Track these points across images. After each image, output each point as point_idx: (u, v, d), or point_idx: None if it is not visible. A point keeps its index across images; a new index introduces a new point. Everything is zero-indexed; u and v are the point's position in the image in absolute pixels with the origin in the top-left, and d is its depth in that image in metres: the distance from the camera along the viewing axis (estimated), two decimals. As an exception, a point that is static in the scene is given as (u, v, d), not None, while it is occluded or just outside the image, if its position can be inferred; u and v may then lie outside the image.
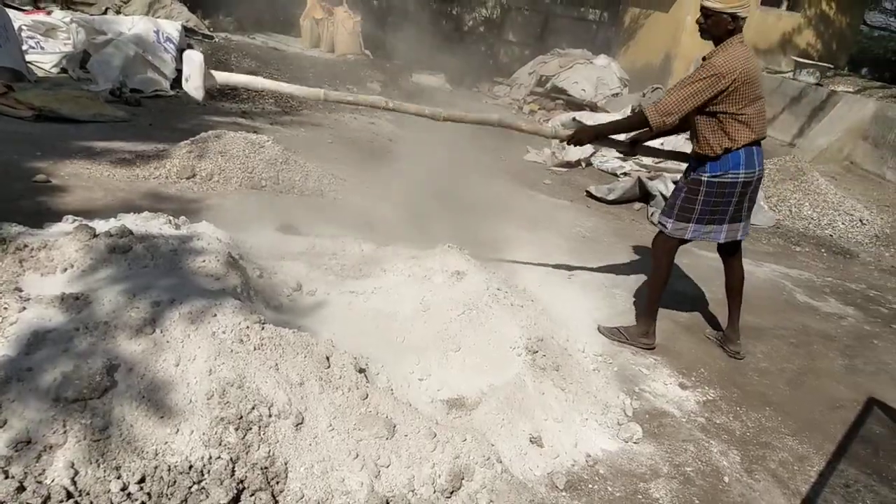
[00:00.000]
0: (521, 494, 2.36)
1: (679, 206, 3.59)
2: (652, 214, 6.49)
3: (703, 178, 3.49)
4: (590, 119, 9.16)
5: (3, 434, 1.86)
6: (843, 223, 7.25)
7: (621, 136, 3.83)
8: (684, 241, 3.68)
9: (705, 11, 3.35)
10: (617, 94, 11.73)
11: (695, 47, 12.78)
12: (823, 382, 3.87)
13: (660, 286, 3.76)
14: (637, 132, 3.73)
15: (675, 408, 3.32)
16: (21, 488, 1.75)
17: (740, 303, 3.93)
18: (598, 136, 3.69)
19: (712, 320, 4.38)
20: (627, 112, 9.05)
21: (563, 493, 2.56)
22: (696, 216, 3.54)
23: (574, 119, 9.35)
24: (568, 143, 3.70)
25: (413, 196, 5.09)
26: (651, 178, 6.99)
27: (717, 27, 3.34)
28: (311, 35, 11.79)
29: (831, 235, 7.05)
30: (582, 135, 3.65)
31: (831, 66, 11.99)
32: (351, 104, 3.45)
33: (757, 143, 3.47)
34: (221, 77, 3.33)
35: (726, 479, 2.84)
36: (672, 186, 6.49)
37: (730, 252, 3.84)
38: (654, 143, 8.02)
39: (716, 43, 3.39)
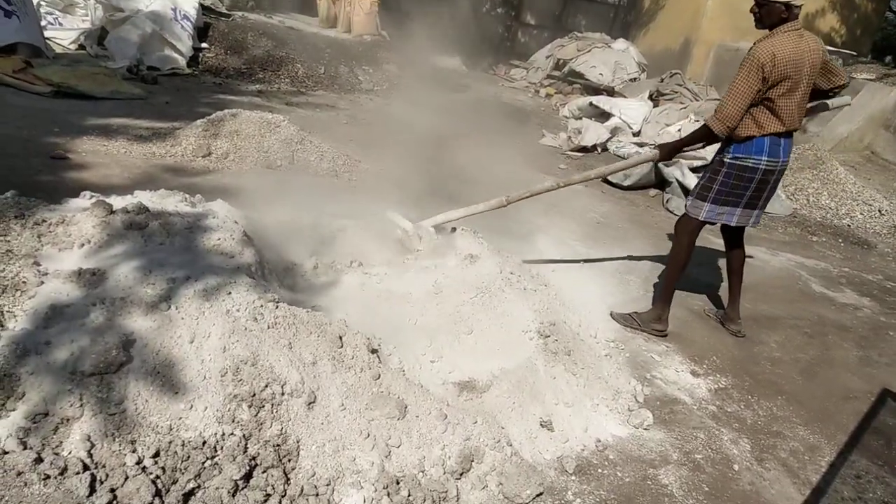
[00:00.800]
0: (531, 477, 2.37)
1: (701, 185, 3.65)
2: (667, 201, 6.44)
3: (725, 160, 3.52)
4: (607, 104, 9.09)
5: (21, 406, 1.89)
6: (861, 213, 7.17)
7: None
8: (705, 223, 3.69)
9: (759, 0, 3.32)
10: (635, 78, 11.61)
11: (714, 32, 12.61)
12: (837, 373, 3.85)
13: (678, 268, 3.76)
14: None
15: (687, 395, 3.32)
16: (39, 459, 1.78)
17: (741, 283, 4.03)
18: (677, 150, 3.77)
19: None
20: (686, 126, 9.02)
21: (573, 478, 2.57)
22: (712, 195, 3.57)
23: (591, 104, 9.29)
24: (660, 163, 3.84)
25: (427, 179, 5.09)
26: (667, 165, 6.92)
27: (771, 16, 3.32)
28: (327, 15, 11.73)
29: (849, 225, 6.98)
30: (666, 154, 3.75)
31: (854, 53, 11.79)
32: (530, 197, 3.83)
33: (787, 134, 3.45)
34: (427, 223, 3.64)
35: (736, 467, 2.84)
36: (688, 173, 6.45)
37: (734, 235, 3.91)
38: (672, 131, 7.95)
39: (770, 30, 3.37)
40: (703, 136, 3.55)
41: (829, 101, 3.67)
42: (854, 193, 7.40)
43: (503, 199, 3.68)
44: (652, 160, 3.89)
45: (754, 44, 3.37)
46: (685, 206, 3.77)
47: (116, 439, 1.90)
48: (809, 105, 3.59)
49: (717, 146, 3.68)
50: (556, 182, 3.77)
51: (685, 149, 3.75)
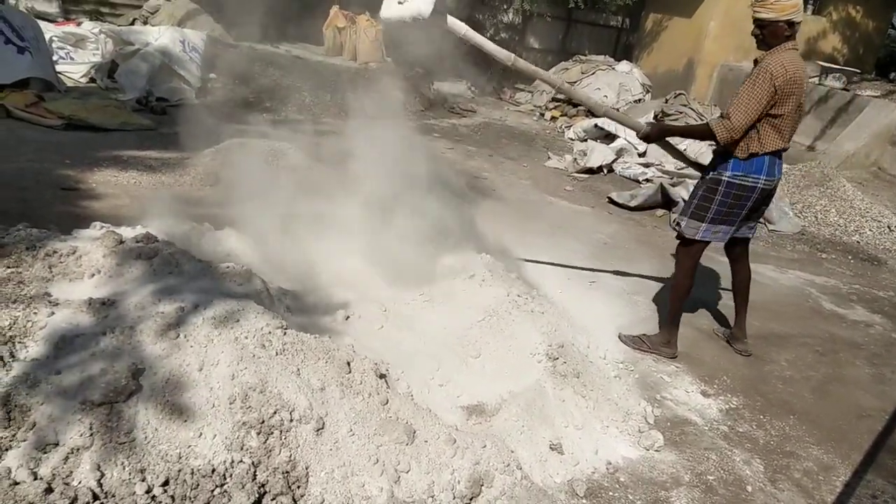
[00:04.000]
0: (541, 501, 2.36)
1: (696, 204, 3.58)
2: (674, 221, 6.44)
3: (723, 178, 3.46)
4: (612, 126, 9.12)
5: (31, 436, 1.90)
6: (870, 230, 7.13)
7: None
8: (706, 245, 3.66)
9: (760, 23, 3.31)
10: (640, 99, 11.67)
11: (718, 53, 12.69)
12: (849, 391, 3.81)
13: (682, 293, 3.73)
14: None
15: (697, 416, 3.29)
16: (49, 490, 1.79)
17: (747, 302, 3.98)
18: (667, 134, 3.74)
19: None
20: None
21: (584, 501, 2.55)
22: (710, 216, 3.52)
23: (596, 125, 9.33)
24: (640, 138, 3.73)
25: (434, 201, 5.11)
26: (674, 185, 6.94)
27: (775, 36, 3.31)
28: (333, 43, 11.89)
29: (858, 242, 6.94)
30: (655, 136, 3.68)
31: (858, 71, 11.81)
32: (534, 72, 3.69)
33: (782, 151, 3.45)
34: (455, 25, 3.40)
35: (749, 488, 2.81)
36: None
37: (737, 252, 3.86)
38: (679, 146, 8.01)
39: (770, 49, 3.36)
40: (703, 135, 3.50)
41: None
42: (862, 210, 7.37)
43: (511, 56, 3.54)
44: (639, 129, 3.70)
45: (761, 59, 3.35)
46: (676, 225, 3.71)
47: (126, 468, 1.91)
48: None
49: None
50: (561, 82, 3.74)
51: (672, 140, 3.69)
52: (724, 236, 3.61)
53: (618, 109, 11.12)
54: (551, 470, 2.64)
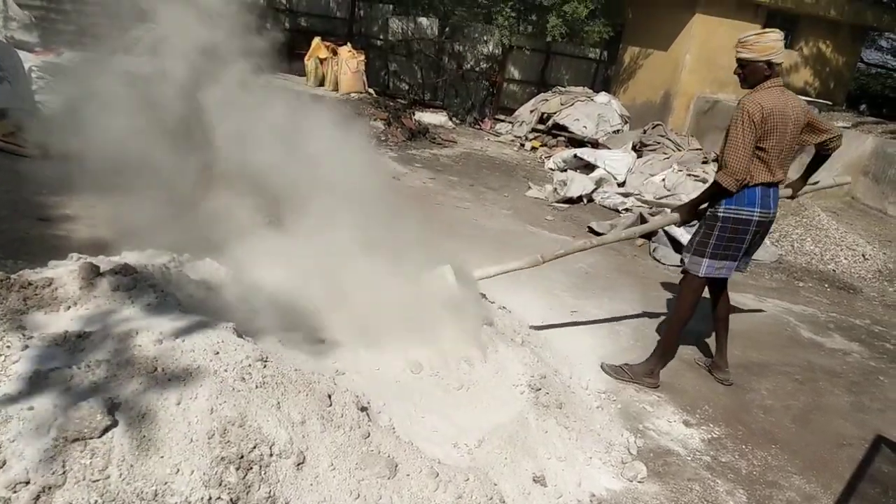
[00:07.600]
0: (525, 536, 2.33)
1: (697, 241, 3.66)
2: (654, 250, 6.50)
3: (718, 214, 3.54)
4: (591, 156, 9.24)
5: (2, 475, 1.84)
6: (845, 258, 7.25)
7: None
8: (708, 279, 3.71)
9: (741, 62, 3.44)
10: (618, 130, 11.84)
11: (694, 85, 12.95)
12: (830, 420, 3.83)
13: (681, 325, 3.77)
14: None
15: (680, 446, 3.29)
16: (19, 530, 1.73)
17: (727, 331, 4.03)
18: (696, 208, 3.75)
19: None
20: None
21: (568, 535, 2.52)
22: (710, 251, 3.59)
23: (575, 156, 9.44)
24: (682, 225, 4.04)
25: (416, 232, 5.11)
26: (653, 214, 7.01)
27: (755, 75, 3.42)
28: (315, 74, 11.99)
29: (834, 270, 7.05)
30: (685, 215, 3.75)
31: (829, 103, 12.11)
32: (565, 255, 3.98)
33: (775, 184, 3.51)
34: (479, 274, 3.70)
35: (733, 519, 2.80)
36: (673, 222, 6.53)
37: (718, 283, 3.89)
38: (657, 181, 8.12)
39: (753, 88, 3.47)
40: (718, 193, 3.54)
41: (832, 179, 4.09)
42: (837, 239, 7.50)
43: (539, 258, 3.72)
44: (673, 223, 3.96)
45: (740, 100, 3.46)
46: (683, 261, 3.77)
47: (100, 507, 1.85)
48: (812, 181, 3.94)
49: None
50: (587, 242, 3.97)
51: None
52: (727, 272, 3.67)
53: (597, 140, 11.29)
54: (535, 503, 2.61)
